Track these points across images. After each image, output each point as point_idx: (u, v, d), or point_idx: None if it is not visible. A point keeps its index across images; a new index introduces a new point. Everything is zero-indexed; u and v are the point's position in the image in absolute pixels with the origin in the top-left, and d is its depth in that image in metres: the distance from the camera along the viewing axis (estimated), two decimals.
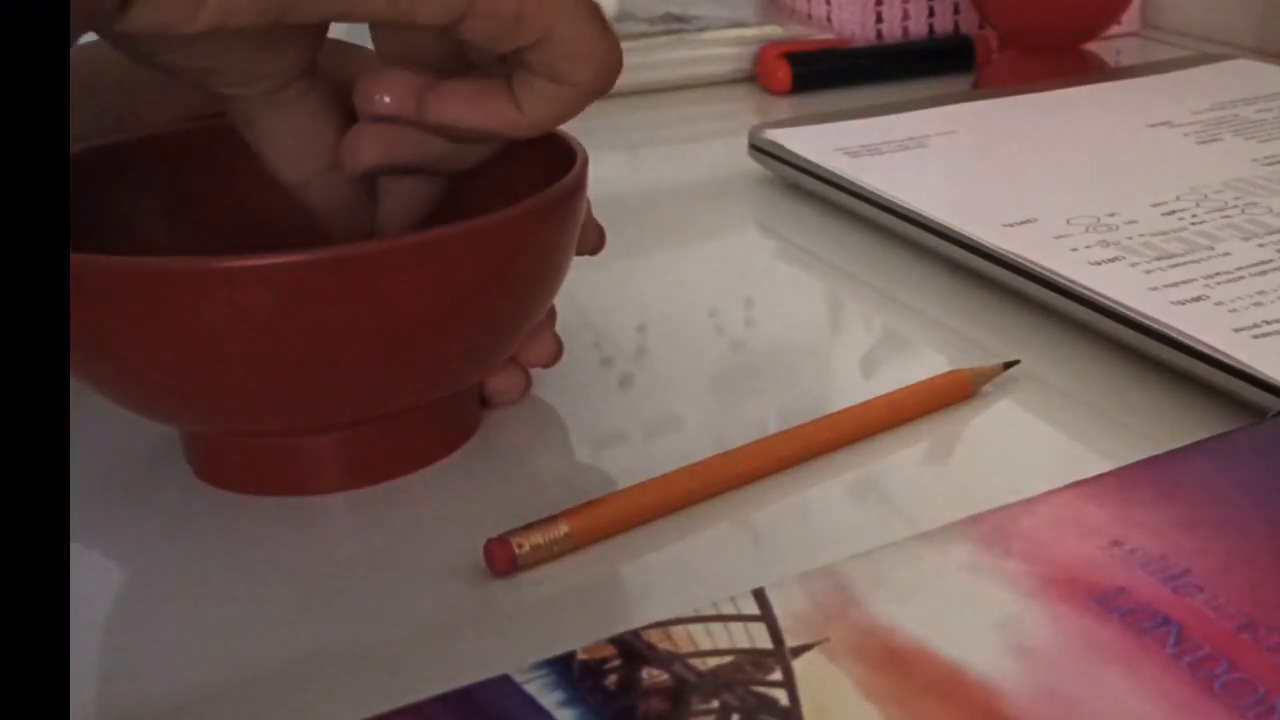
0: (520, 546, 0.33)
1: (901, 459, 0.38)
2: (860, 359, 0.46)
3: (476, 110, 0.34)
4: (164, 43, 0.31)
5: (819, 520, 0.36)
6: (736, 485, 0.37)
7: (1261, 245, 0.46)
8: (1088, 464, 0.37)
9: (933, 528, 0.28)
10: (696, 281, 0.52)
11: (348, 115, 0.37)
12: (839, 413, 0.39)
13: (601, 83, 0.34)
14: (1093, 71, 0.75)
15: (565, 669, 0.24)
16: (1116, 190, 0.52)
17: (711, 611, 0.26)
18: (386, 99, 0.36)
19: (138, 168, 0.41)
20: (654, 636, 0.25)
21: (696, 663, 0.24)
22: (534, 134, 0.35)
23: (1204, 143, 0.58)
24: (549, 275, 0.37)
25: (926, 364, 0.43)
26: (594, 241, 0.42)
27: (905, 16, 0.82)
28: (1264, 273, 0.44)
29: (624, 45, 0.80)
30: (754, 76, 0.79)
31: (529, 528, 0.34)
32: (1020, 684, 0.24)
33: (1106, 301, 0.43)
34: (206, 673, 0.31)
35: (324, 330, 0.33)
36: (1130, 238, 0.47)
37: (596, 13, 0.33)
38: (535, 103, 0.34)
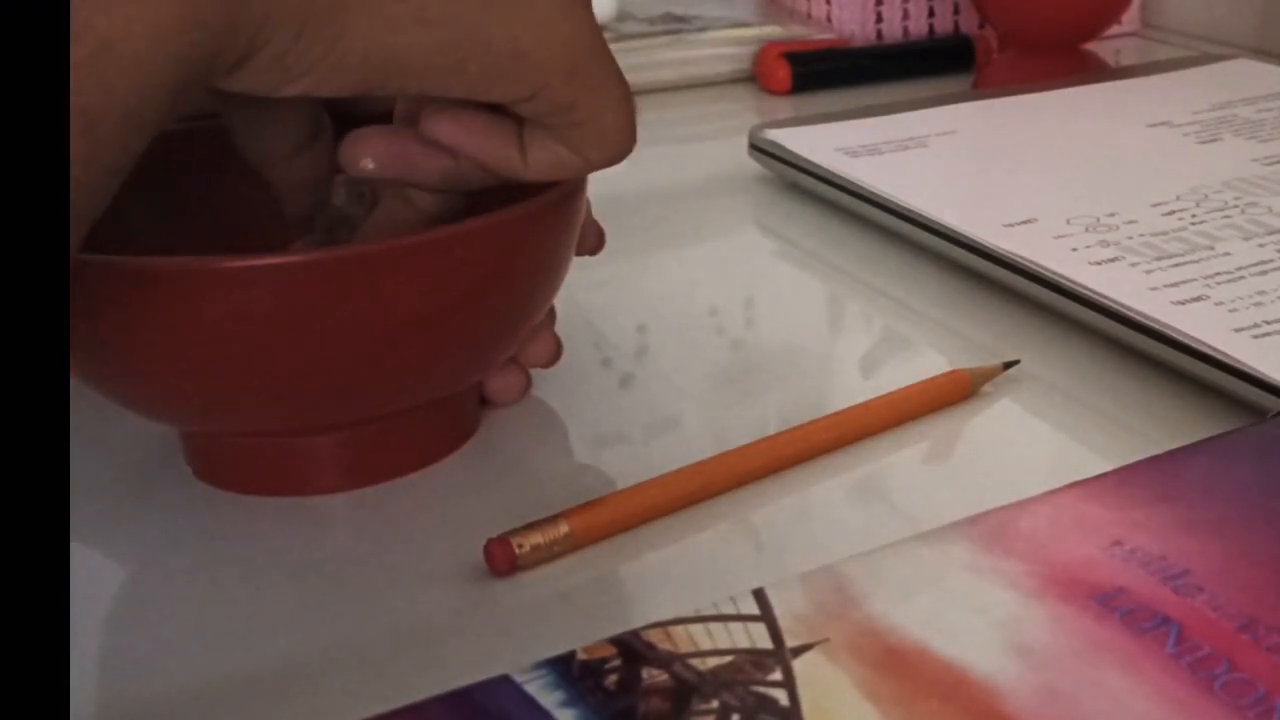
0: (520, 546, 0.33)
1: (901, 459, 0.38)
2: (860, 359, 0.46)
3: (475, 141, 0.35)
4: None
5: (819, 520, 0.36)
6: (736, 485, 0.37)
7: (1261, 245, 0.46)
8: (1088, 464, 0.37)
9: (933, 528, 0.28)
10: (696, 281, 0.52)
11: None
12: (839, 413, 0.39)
13: (613, 162, 0.35)
14: (1093, 71, 0.75)
15: (565, 669, 0.24)
16: (1116, 190, 0.52)
17: (711, 611, 0.26)
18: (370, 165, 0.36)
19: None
20: (654, 636, 0.25)
21: (696, 663, 0.24)
22: (526, 182, 0.35)
23: (1204, 143, 0.58)
24: (549, 275, 0.37)
25: (926, 364, 0.43)
26: (594, 241, 0.42)
27: (905, 16, 0.82)
28: (1264, 273, 0.44)
29: (624, 45, 0.80)
30: (754, 76, 0.78)
31: (529, 528, 0.34)
32: (1020, 684, 0.24)
33: (1106, 301, 0.43)
34: (206, 673, 0.31)
35: (324, 330, 0.33)
36: (1130, 238, 0.47)
37: (631, 100, 0.34)
38: (543, 161, 0.34)
